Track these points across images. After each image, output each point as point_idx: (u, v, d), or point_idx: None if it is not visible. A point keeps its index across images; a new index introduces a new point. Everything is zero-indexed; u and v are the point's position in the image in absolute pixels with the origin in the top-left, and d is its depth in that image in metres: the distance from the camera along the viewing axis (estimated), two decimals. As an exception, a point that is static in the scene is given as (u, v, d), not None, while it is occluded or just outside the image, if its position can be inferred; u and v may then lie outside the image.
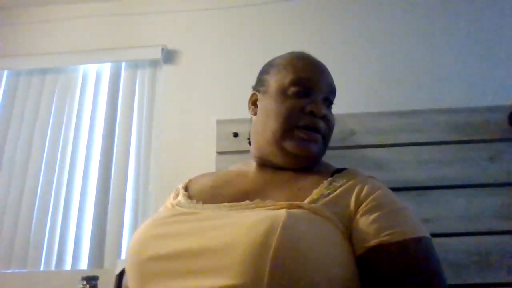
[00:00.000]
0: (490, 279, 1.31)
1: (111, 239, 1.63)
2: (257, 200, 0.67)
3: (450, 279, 1.32)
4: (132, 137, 1.80)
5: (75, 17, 2.02)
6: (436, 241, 1.36)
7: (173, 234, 0.64)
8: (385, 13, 1.84)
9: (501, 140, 1.47)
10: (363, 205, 0.67)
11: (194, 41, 1.91)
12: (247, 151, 1.56)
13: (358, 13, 1.86)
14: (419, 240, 0.64)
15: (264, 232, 0.54)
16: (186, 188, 0.85)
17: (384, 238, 0.62)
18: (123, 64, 1.92)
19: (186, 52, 1.90)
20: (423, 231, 0.66)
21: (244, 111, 1.61)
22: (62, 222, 1.69)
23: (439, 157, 1.47)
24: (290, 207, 0.62)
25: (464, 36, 1.76)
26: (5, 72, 1.97)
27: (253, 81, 1.77)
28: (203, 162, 1.62)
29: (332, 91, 0.87)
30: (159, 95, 1.85)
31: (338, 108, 1.65)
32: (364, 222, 0.64)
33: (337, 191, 0.69)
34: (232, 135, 1.59)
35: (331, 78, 0.88)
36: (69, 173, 1.77)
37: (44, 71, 1.94)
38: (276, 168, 0.81)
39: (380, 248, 0.62)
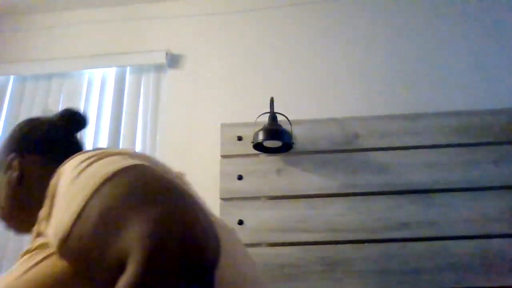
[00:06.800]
0: (494, 282, 1.31)
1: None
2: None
3: (455, 282, 1.33)
4: (137, 141, 1.81)
5: (80, 23, 2.04)
6: (441, 244, 1.37)
7: None
8: (390, 17, 1.85)
9: (505, 143, 1.47)
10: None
11: (199, 45, 1.92)
12: (251, 155, 1.57)
13: (362, 16, 1.87)
14: (91, 202, 0.46)
15: None
16: None
17: (61, 235, 0.48)
18: (128, 69, 1.93)
19: (191, 56, 1.91)
20: (102, 175, 0.48)
21: (248, 115, 1.63)
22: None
23: (443, 160, 1.47)
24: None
25: (469, 39, 1.76)
26: (12, 78, 1.98)
27: (257, 86, 1.79)
28: (208, 166, 1.63)
29: None
30: (163, 99, 1.86)
31: (342, 111, 1.66)
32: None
33: (45, 209, 0.55)
34: (237, 138, 1.60)
35: None
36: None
37: (50, 76, 1.96)
38: None
39: (63, 249, 0.49)
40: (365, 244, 1.41)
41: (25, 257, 0.55)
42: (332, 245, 1.42)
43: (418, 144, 1.51)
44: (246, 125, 1.60)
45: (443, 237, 1.38)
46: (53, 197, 0.54)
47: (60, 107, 1.90)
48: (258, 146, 1.53)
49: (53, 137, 0.84)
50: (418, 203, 1.43)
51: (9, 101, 1.95)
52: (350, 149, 1.55)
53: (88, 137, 1.85)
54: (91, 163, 0.51)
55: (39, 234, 0.57)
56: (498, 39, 1.75)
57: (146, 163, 0.52)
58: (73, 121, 0.89)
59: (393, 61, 1.77)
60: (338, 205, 1.47)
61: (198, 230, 0.41)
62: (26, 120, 0.88)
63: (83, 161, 0.52)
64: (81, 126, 0.90)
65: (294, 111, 1.62)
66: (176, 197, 0.44)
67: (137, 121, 1.84)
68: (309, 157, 1.55)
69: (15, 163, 0.78)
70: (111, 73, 1.95)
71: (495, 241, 1.35)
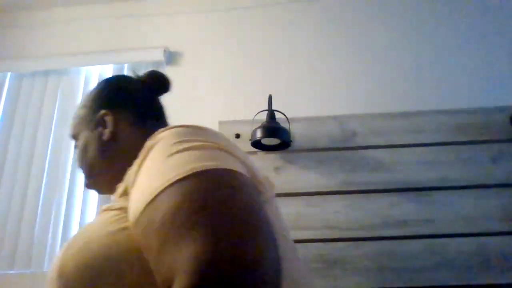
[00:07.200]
0: (491, 280, 1.31)
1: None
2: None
3: (453, 280, 1.33)
4: (134, 139, 1.80)
5: (78, 19, 2.03)
6: (439, 241, 1.38)
7: None
8: (388, 15, 1.85)
9: (503, 141, 1.47)
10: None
11: (197, 43, 1.92)
12: (249, 153, 1.57)
13: (360, 14, 1.86)
14: (168, 191, 0.45)
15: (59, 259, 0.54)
16: None
17: (134, 215, 0.48)
18: (126, 66, 1.93)
19: (189, 54, 1.90)
20: (187, 169, 0.45)
21: (246, 113, 1.62)
22: (64, 223, 1.70)
23: (441, 158, 1.47)
24: (101, 211, 0.58)
25: (467, 38, 1.76)
26: (8, 74, 1.97)
27: (255, 83, 1.79)
28: (206, 163, 1.62)
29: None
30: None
31: (340, 109, 1.66)
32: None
33: (133, 170, 0.55)
34: (234, 136, 1.60)
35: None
36: (71, 174, 1.77)
37: (47, 73, 1.95)
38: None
39: (136, 229, 0.48)
40: (363, 241, 1.41)
41: (110, 215, 0.55)
42: (330, 243, 1.42)
43: (417, 142, 1.51)
44: (244, 122, 1.60)
45: (441, 234, 1.38)
46: (144, 159, 0.53)
47: (57, 105, 1.89)
48: (256, 144, 1.53)
49: (143, 96, 0.84)
50: (417, 201, 1.43)
51: (5, 98, 1.94)
52: (348, 147, 1.54)
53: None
54: (187, 149, 0.49)
55: (124, 193, 0.56)
56: (498, 37, 1.75)
57: (238, 168, 0.49)
58: (160, 82, 0.89)
59: (392, 59, 1.77)
60: (336, 203, 1.46)
61: (253, 275, 0.37)
62: (113, 77, 0.87)
63: (182, 141, 0.51)
64: (166, 88, 0.90)
65: (293, 109, 1.62)
66: (247, 228, 0.41)
67: (135, 119, 1.84)
68: (307, 154, 1.55)
69: (109, 119, 0.76)
70: (108, 70, 1.94)
71: (493, 239, 1.35)
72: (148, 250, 0.45)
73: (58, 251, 0.57)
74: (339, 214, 1.45)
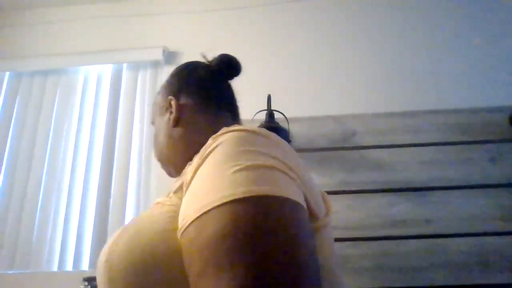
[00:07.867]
0: (490, 280, 1.32)
1: (113, 240, 1.63)
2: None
3: (451, 280, 1.33)
4: (133, 138, 1.80)
5: (77, 19, 2.03)
6: (437, 242, 1.38)
7: None
8: (387, 14, 1.85)
9: (501, 141, 1.47)
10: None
11: (195, 42, 1.91)
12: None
13: (359, 14, 1.86)
14: (218, 211, 0.44)
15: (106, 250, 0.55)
16: None
17: (183, 222, 0.48)
18: (125, 66, 1.93)
19: (187, 53, 1.90)
20: (243, 191, 0.45)
21: (245, 113, 1.62)
22: (64, 224, 1.70)
23: (440, 158, 1.47)
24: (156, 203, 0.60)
25: (465, 37, 1.76)
26: (7, 74, 1.97)
27: (254, 83, 1.78)
28: (205, 163, 1.62)
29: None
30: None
31: (340, 108, 1.66)
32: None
33: (192, 167, 0.55)
34: (234, 136, 1.59)
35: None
36: (70, 174, 1.77)
37: (45, 73, 1.95)
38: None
39: (182, 237, 0.48)
40: (363, 241, 1.41)
41: (163, 210, 0.55)
42: (329, 243, 1.42)
43: (416, 141, 1.51)
44: (243, 122, 1.59)
45: (439, 234, 1.39)
46: (204, 160, 0.52)
47: (56, 104, 1.89)
48: (255, 144, 1.52)
49: (210, 82, 0.85)
50: (415, 200, 1.43)
51: (4, 97, 1.94)
52: (347, 146, 1.55)
53: (83, 133, 1.84)
54: (245, 166, 0.47)
55: (180, 189, 0.56)
56: (497, 37, 1.75)
57: (292, 193, 0.47)
58: (230, 67, 0.90)
59: (391, 59, 1.77)
60: (335, 202, 1.46)
61: None
62: (183, 64, 0.89)
63: (244, 151, 0.50)
64: (236, 72, 0.92)
65: (292, 109, 1.62)
66: (290, 271, 0.40)
67: (134, 118, 1.83)
68: (306, 155, 1.55)
69: (173, 104, 0.78)
70: (107, 69, 1.94)
71: (492, 239, 1.35)
72: (187, 265, 0.46)
73: (111, 235, 0.58)
74: (338, 214, 1.45)
